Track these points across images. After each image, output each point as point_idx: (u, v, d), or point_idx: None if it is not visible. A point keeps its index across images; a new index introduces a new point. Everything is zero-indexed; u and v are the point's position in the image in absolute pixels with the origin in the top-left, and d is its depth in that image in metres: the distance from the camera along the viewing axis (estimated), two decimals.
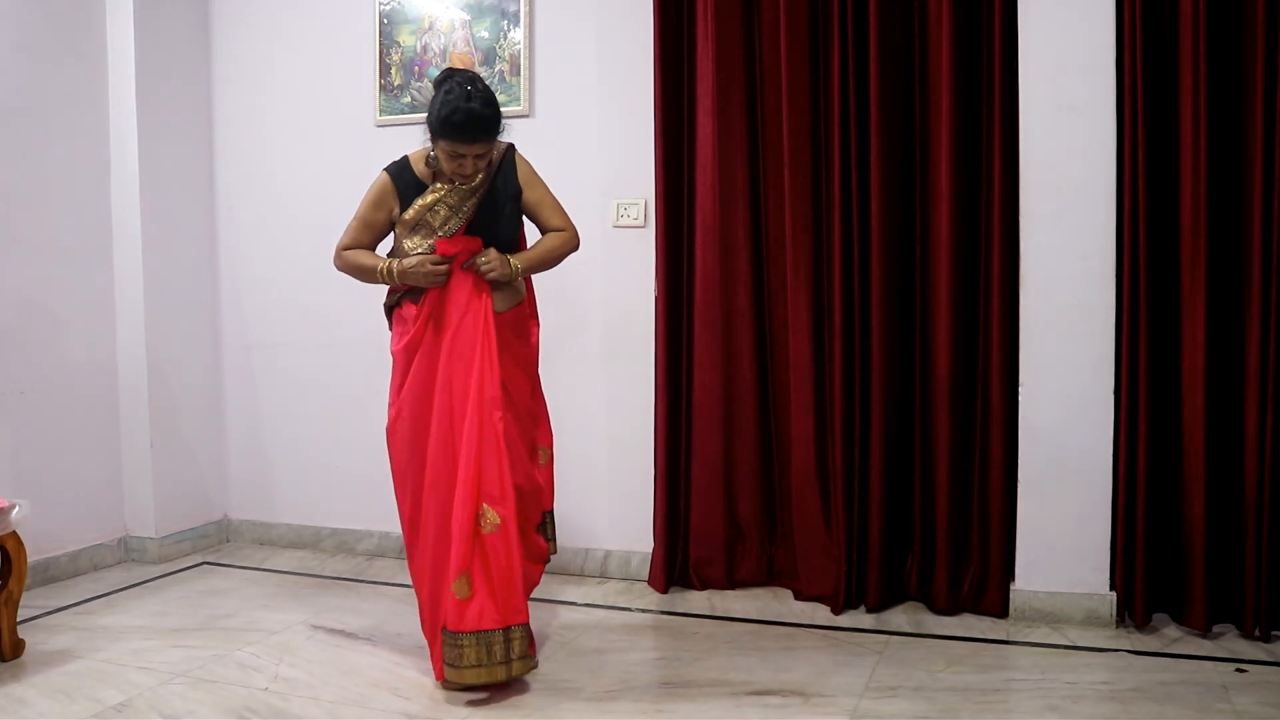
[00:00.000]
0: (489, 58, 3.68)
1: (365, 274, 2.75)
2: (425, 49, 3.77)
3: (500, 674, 2.56)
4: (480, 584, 2.55)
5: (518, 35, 3.63)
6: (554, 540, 2.94)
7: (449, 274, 2.65)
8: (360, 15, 3.85)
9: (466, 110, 2.53)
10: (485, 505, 2.57)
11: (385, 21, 3.82)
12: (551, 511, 2.93)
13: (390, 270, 2.68)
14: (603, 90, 3.56)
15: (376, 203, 2.74)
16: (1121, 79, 2.94)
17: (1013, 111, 3.05)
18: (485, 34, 3.69)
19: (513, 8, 3.64)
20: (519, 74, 3.64)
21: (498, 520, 2.57)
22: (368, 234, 2.77)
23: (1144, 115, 2.90)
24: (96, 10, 3.75)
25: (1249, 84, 2.83)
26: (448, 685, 2.61)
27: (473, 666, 2.53)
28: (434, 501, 2.63)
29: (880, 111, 3.12)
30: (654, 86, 3.32)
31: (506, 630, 2.56)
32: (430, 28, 3.76)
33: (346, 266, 2.79)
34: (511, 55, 3.65)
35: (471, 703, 2.56)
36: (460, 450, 2.60)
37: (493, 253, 2.66)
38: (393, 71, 3.82)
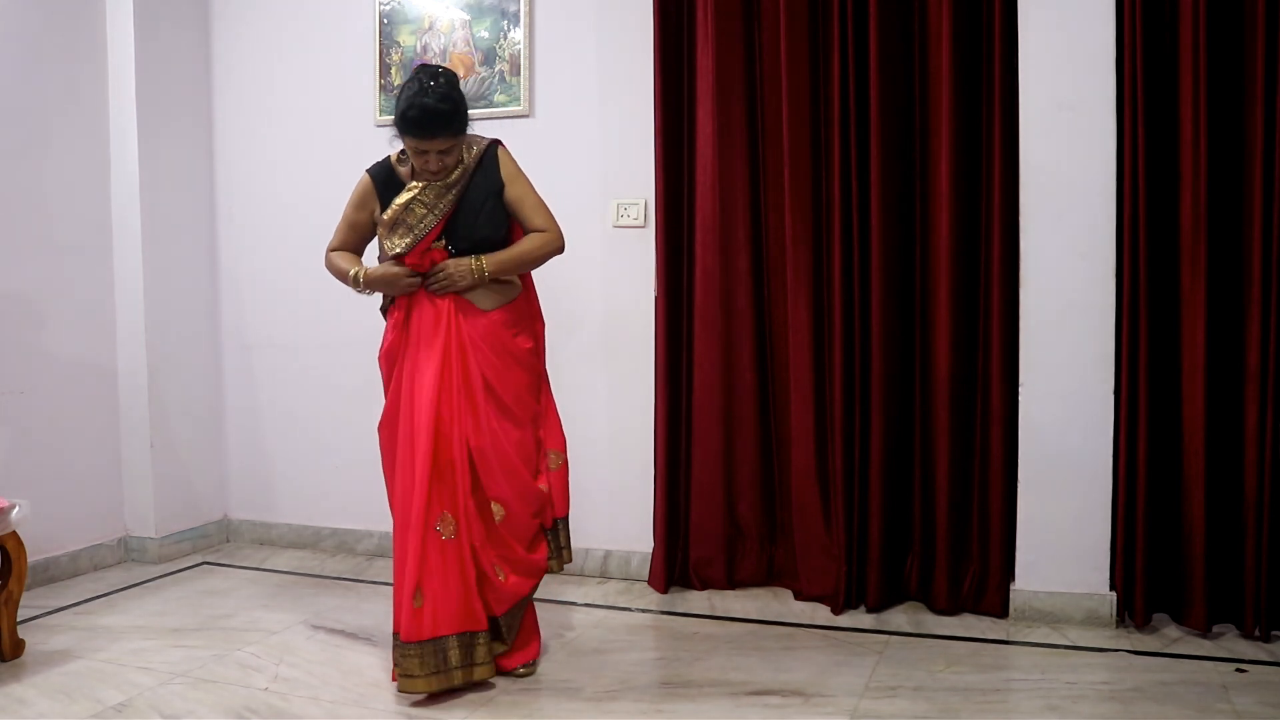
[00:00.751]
0: (489, 58, 3.68)
1: (340, 277, 2.76)
2: (425, 49, 3.77)
3: (457, 678, 2.55)
4: (429, 592, 2.52)
5: (518, 35, 3.63)
6: (568, 547, 2.83)
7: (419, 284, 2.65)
8: (360, 15, 3.85)
9: (420, 105, 2.51)
10: (444, 512, 2.55)
11: (385, 21, 3.82)
12: (565, 518, 2.83)
13: (357, 277, 2.68)
14: (603, 90, 3.56)
15: (358, 204, 2.75)
16: (1121, 78, 2.93)
17: (1012, 111, 3.04)
18: (485, 34, 3.69)
19: (513, 8, 3.64)
20: (519, 74, 3.64)
21: (454, 524, 2.56)
22: (353, 235, 2.78)
23: (1144, 115, 2.90)
24: (96, 10, 3.75)
25: (1249, 84, 2.83)
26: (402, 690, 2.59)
27: (418, 675, 2.51)
28: (399, 507, 2.63)
29: (880, 111, 3.12)
30: (654, 86, 3.32)
31: (468, 635, 2.56)
32: (430, 28, 3.76)
33: (330, 268, 2.80)
34: (511, 55, 3.65)
35: (471, 703, 2.56)
36: (417, 457, 2.58)
37: (450, 265, 2.61)
38: (393, 71, 3.81)
